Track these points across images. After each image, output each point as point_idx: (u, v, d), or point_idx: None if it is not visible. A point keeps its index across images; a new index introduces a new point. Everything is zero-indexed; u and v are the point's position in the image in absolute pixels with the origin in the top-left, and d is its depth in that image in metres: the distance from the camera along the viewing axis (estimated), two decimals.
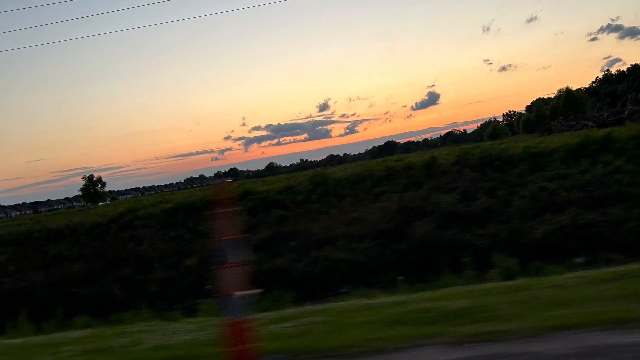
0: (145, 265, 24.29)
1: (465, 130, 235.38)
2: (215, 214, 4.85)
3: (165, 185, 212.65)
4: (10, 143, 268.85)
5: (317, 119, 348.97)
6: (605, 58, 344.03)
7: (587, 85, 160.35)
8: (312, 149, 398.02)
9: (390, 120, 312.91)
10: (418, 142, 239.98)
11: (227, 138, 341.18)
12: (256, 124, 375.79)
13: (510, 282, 10.84)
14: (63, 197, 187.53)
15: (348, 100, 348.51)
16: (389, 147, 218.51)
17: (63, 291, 23.13)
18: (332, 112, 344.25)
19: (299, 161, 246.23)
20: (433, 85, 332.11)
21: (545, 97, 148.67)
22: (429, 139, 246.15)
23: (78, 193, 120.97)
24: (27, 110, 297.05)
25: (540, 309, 6.79)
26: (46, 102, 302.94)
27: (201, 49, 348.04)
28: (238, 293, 4.85)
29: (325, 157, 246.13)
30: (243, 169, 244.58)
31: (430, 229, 21.34)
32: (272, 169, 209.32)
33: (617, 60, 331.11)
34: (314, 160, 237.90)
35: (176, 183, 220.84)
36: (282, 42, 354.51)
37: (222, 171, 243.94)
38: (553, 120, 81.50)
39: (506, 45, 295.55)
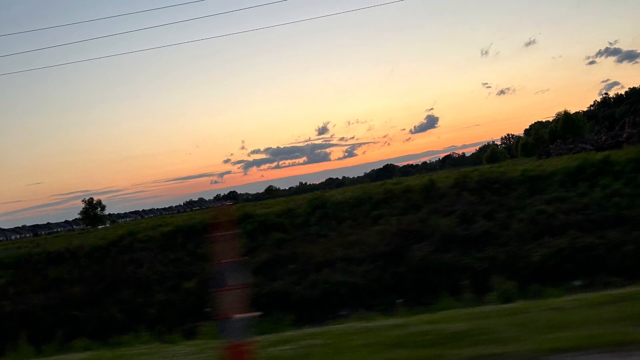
0: (144, 288, 24.29)
1: (463, 153, 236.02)
2: (214, 237, 4.90)
3: (164, 208, 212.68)
4: (10, 166, 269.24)
5: (316, 142, 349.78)
6: (603, 81, 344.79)
7: (585, 109, 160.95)
8: (311, 172, 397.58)
9: (389, 144, 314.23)
10: (417, 165, 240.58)
11: (226, 161, 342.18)
12: (255, 147, 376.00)
13: (509, 305, 10.87)
14: (63, 220, 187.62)
15: (347, 123, 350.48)
16: (388, 170, 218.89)
17: (63, 314, 23.12)
18: (331, 136, 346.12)
19: (298, 184, 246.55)
20: (432, 109, 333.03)
21: (544, 120, 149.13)
22: (428, 162, 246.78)
23: (78, 216, 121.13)
24: (26, 133, 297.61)
25: (539, 331, 6.83)
26: (46, 125, 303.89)
27: (200, 72, 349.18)
28: (237, 316, 4.89)
29: (324, 180, 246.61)
30: (242, 192, 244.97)
31: (429, 251, 21.37)
32: (271, 192, 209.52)
33: (615, 83, 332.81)
34: (313, 184, 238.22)
35: (176, 206, 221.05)
36: (281, 66, 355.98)
37: (222, 194, 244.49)
38: (551, 143, 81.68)
39: (505, 69, 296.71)
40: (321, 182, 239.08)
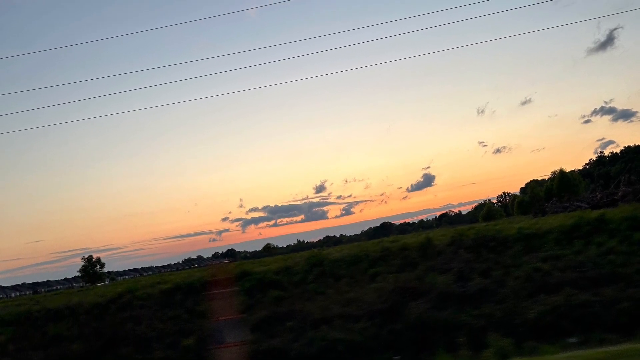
0: (143, 345, 24.31)
1: (460, 211, 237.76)
2: (213, 295, 5.15)
3: (163, 266, 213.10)
4: (10, 224, 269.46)
5: (314, 200, 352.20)
6: (598, 140, 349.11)
7: (580, 167, 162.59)
8: (309, 230, 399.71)
9: (386, 202, 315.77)
10: (413, 223, 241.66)
11: (224, 219, 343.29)
12: (253, 206, 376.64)
13: None
14: (62, 278, 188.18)
15: (344, 181, 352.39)
16: (385, 228, 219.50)
17: None
18: (329, 194, 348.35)
19: (295, 242, 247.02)
20: (428, 167, 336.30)
21: (539, 178, 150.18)
22: (425, 220, 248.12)
23: (77, 274, 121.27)
24: (26, 191, 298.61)
25: None
26: (45, 183, 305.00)
27: (198, 131, 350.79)
28: None
29: (321, 238, 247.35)
30: (240, 250, 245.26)
31: (425, 309, 21.49)
32: (269, 249, 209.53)
33: (611, 142, 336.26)
34: (311, 241, 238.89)
35: (174, 264, 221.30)
36: (279, 125, 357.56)
37: (220, 252, 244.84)
38: (547, 201, 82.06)
39: (501, 128, 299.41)
40: (319, 240, 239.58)
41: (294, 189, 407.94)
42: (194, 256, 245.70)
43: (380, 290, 24.16)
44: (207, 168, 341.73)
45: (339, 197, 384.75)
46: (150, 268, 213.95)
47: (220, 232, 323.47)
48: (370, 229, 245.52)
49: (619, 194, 53.88)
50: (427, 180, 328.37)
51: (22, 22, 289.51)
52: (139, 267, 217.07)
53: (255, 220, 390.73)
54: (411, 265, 27.21)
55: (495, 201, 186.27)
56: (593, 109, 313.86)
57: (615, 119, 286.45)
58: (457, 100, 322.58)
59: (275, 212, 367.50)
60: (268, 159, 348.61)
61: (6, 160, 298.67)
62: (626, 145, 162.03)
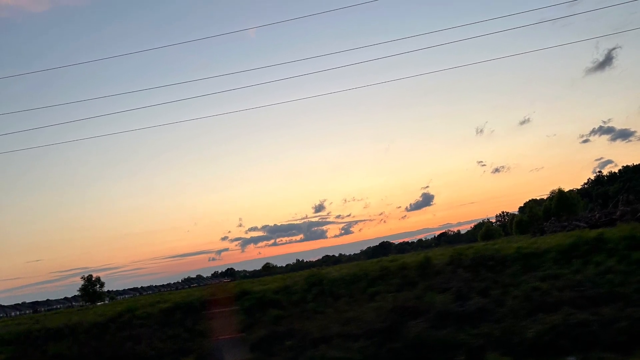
0: None
1: (459, 230, 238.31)
2: (212, 314, 5.24)
3: (163, 285, 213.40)
4: (10, 243, 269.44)
5: (313, 219, 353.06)
6: (597, 160, 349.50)
7: (579, 187, 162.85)
8: (308, 249, 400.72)
9: (385, 221, 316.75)
10: (412, 242, 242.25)
11: (224, 239, 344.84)
12: (253, 225, 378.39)
13: None
14: (62, 297, 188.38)
15: (343, 201, 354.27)
16: (384, 248, 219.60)
17: None
18: (328, 213, 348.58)
19: (294, 261, 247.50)
20: (427, 187, 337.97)
21: (538, 198, 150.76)
22: (423, 239, 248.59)
23: (77, 293, 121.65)
24: (26, 211, 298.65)
25: None
26: (45, 203, 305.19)
27: (198, 150, 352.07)
28: None
29: (320, 257, 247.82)
30: (240, 269, 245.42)
31: (424, 328, 21.51)
32: (268, 269, 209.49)
33: (609, 162, 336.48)
34: (310, 261, 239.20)
35: (174, 283, 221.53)
36: (278, 144, 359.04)
37: (219, 271, 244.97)
38: (546, 221, 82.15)
39: (499, 147, 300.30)
40: (318, 259, 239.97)
41: (293, 208, 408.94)
42: (193, 275, 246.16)
43: (379, 310, 24.19)
44: (206, 188, 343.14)
45: (338, 216, 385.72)
46: (149, 287, 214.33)
47: (219, 252, 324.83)
48: (369, 248, 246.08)
49: (618, 213, 54.05)
50: (426, 200, 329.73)
51: (22, 41, 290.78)
52: (139, 287, 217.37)
53: (255, 240, 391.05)
54: (410, 284, 27.24)
55: (494, 221, 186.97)
56: (591, 129, 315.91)
57: (613, 139, 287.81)
58: (456, 119, 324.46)
59: (275, 232, 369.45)
60: (267, 179, 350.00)
61: (6, 180, 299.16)
62: (624, 165, 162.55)
